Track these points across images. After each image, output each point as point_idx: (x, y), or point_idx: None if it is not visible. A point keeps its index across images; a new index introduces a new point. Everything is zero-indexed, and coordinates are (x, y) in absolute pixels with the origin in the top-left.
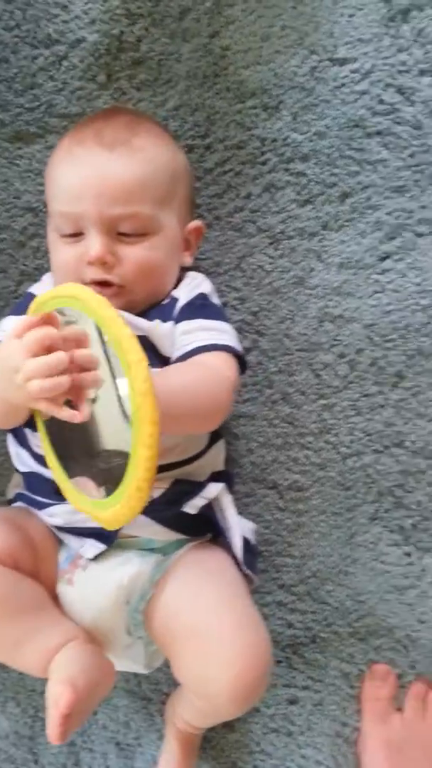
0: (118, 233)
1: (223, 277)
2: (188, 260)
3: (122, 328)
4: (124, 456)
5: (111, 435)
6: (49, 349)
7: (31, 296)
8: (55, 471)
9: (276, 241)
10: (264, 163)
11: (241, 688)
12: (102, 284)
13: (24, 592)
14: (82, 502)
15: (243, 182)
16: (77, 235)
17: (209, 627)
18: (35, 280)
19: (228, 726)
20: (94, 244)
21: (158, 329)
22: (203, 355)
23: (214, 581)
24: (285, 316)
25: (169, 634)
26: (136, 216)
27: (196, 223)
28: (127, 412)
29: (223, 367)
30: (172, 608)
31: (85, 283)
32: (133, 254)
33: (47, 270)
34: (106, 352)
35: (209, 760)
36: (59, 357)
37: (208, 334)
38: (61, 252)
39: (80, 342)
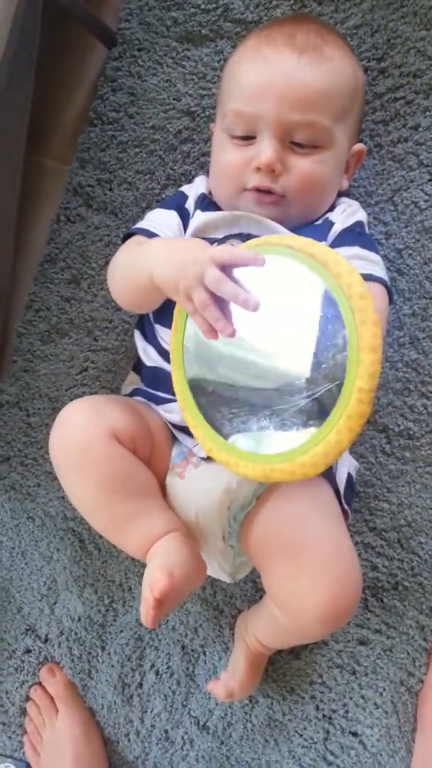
0: (291, 142)
1: (373, 209)
2: (346, 184)
3: (337, 257)
4: (332, 379)
5: (313, 363)
6: None
7: (182, 194)
8: (210, 442)
9: None
10: None
11: (333, 610)
12: (263, 192)
13: (139, 476)
14: (259, 461)
15: (413, 112)
16: (248, 138)
17: (310, 548)
18: (180, 186)
19: (294, 653)
20: (266, 149)
21: None
22: None
23: (318, 505)
24: (431, 258)
25: (267, 549)
26: (313, 125)
27: (360, 145)
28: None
29: (378, 299)
30: (273, 523)
31: (246, 189)
32: (302, 166)
33: (194, 176)
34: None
35: (269, 681)
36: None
37: (365, 264)
38: (228, 154)
39: None
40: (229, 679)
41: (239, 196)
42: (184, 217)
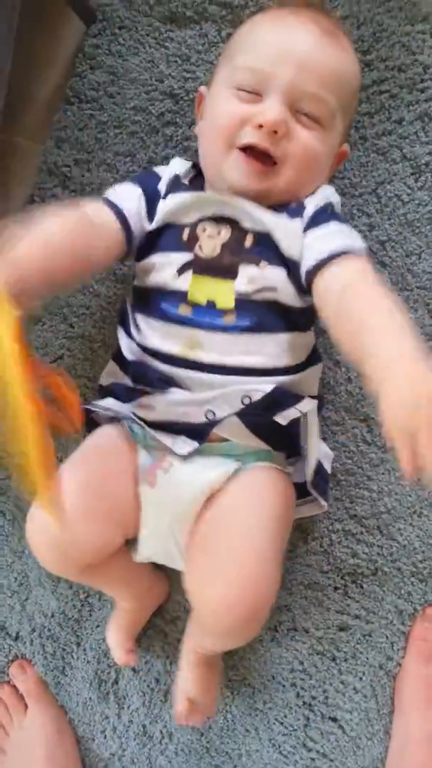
0: (296, 111)
1: (356, 200)
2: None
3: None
4: None
5: None
6: None
7: (155, 175)
8: None
9: (419, 172)
10: (422, 91)
11: (227, 616)
12: (254, 158)
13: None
14: None
15: (397, 106)
16: (253, 94)
17: (228, 543)
18: None
19: (275, 641)
20: (274, 107)
21: (285, 224)
22: (352, 260)
23: (255, 506)
24: (413, 251)
25: (194, 542)
26: (324, 101)
27: (345, 146)
28: None
29: (369, 271)
30: (207, 518)
31: (239, 147)
32: (306, 136)
33: None
34: None
35: (251, 671)
36: None
37: (344, 238)
38: (230, 104)
39: None
40: (184, 691)
41: (227, 155)
42: (154, 198)
